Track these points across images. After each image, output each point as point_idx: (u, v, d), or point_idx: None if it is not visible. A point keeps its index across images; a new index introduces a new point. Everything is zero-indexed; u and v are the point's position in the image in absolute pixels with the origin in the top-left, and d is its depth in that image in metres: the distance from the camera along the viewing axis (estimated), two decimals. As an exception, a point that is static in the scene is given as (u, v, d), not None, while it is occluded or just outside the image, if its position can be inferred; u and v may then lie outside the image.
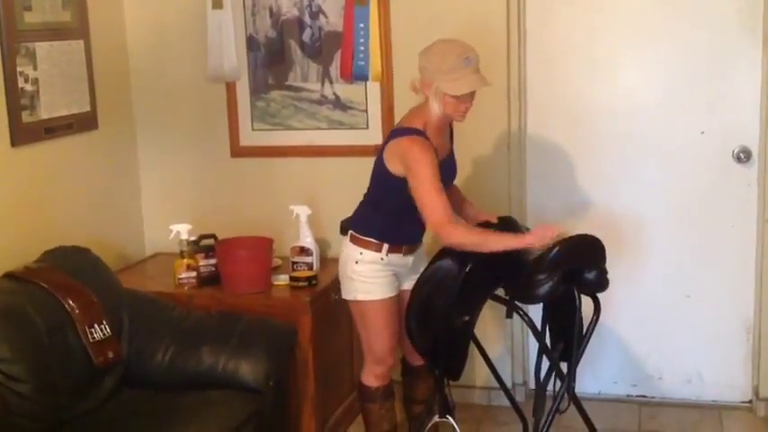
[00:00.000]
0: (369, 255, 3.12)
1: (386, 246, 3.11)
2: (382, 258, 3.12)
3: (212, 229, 3.79)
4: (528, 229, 3.21)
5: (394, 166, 2.99)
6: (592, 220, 3.64)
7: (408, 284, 3.17)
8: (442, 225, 2.89)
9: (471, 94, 2.97)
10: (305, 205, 3.72)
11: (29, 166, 3.49)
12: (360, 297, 3.17)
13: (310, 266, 3.64)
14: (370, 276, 3.13)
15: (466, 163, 3.68)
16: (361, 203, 3.22)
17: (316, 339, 3.50)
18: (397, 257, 3.15)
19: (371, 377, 3.28)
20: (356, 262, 3.14)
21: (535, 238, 2.89)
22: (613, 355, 3.99)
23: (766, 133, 3.64)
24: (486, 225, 3.12)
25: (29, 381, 2.85)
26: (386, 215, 3.10)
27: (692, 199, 3.80)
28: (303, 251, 3.65)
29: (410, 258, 3.19)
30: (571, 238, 2.94)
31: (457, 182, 3.31)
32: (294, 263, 3.65)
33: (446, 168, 3.07)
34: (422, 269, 3.14)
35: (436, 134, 3.02)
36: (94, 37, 3.82)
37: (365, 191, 3.22)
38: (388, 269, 3.14)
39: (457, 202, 3.22)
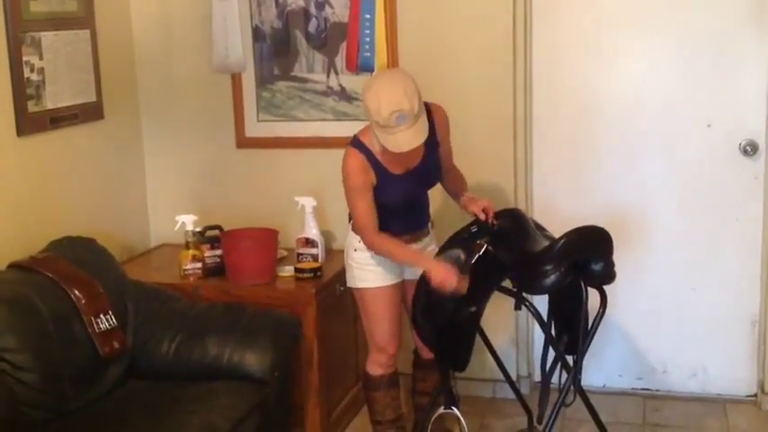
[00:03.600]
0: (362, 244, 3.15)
1: (384, 234, 3.10)
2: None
3: (218, 220, 3.79)
4: (536, 222, 3.21)
5: None
6: (597, 212, 3.63)
7: (413, 274, 3.15)
8: (364, 232, 3.06)
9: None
10: (310, 197, 3.72)
11: (34, 156, 3.49)
12: (358, 284, 3.20)
13: (315, 258, 3.63)
14: (367, 264, 3.15)
15: (471, 155, 3.66)
16: None
17: (320, 331, 3.50)
18: None
19: (375, 365, 3.29)
20: (355, 249, 3.16)
21: (435, 279, 2.95)
22: (618, 348, 3.98)
23: (773, 126, 3.64)
24: (482, 223, 3.09)
25: (35, 370, 2.86)
26: (381, 216, 3.08)
27: (699, 192, 3.79)
28: (308, 242, 3.65)
29: (413, 247, 3.18)
30: (578, 229, 2.93)
31: (462, 173, 3.30)
32: (299, 254, 3.65)
33: (418, 176, 3.07)
34: (432, 256, 3.13)
35: (393, 156, 2.94)
36: (100, 27, 3.81)
37: None
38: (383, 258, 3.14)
39: (455, 192, 3.22)
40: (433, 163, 3.12)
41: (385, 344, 3.24)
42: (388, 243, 3.06)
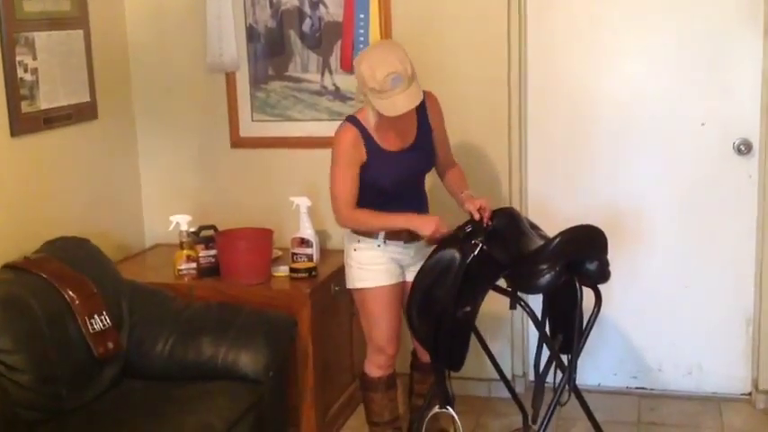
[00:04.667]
0: (366, 242, 3.15)
1: (382, 233, 3.12)
2: (379, 245, 3.13)
3: (212, 220, 3.78)
4: (530, 221, 3.21)
5: None
6: (592, 211, 3.63)
7: (412, 275, 3.14)
8: (337, 203, 3.07)
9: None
10: (305, 196, 3.72)
11: (28, 156, 3.48)
12: (357, 285, 3.19)
13: (310, 258, 3.63)
14: (366, 263, 3.15)
15: (466, 151, 3.67)
16: None
17: (315, 330, 3.50)
18: (396, 245, 3.15)
19: (373, 367, 3.28)
20: (354, 249, 3.17)
21: (427, 230, 2.99)
22: (613, 347, 3.98)
23: (767, 125, 3.64)
24: (477, 223, 3.09)
25: (29, 371, 2.85)
26: (374, 205, 3.08)
27: (693, 190, 3.79)
28: (303, 242, 3.65)
29: (412, 246, 3.17)
30: (573, 228, 2.93)
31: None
32: (294, 254, 3.65)
33: (409, 156, 3.08)
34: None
35: (388, 126, 3.01)
36: (94, 26, 3.81)
37: None
38: (386, 256, 3.15)
39: (455, 189, 3.21)
40: (426, 145, 3.14)
41: (384, 345, 3.23)
42: (362, 213, 3.06)
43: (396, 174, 3.09)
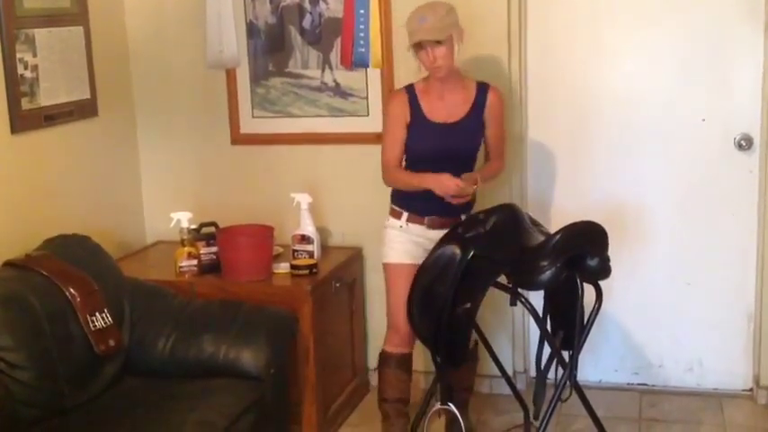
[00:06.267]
0: (392, 221, 3.32)
1: (405, 214, 3.27)
2: (401, 226, 3.28)
3: (213, 217, 3.78)
4: (531, 217, 3.21)
5: None
6: (592, 208, 3.63)
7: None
8: (383, 165, 3.29)
9: (432, 47, 3.11)
10: (306, 193, 3.71)
11: (29, 153, 3.48)
12: (384, 260, 3.34)
13: (311, 254, 3.63)
14: (391, 240, 3.31)
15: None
16: None
17: (317, 327, 3.50)
18: (419, 229, 3.27)
19: (389, 343, 3.36)
20: (384, 227, 3.35)
21: (448, 190, 3.11)
22: (614, 343, 3.98)
23: (767, 120, 3.64)
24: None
25: (30, 369, 2.85)
26: (410, 157, 3.26)
27: (694, 186, 3.79)
28: (304, 239, 3.65)
29: (434, 233, 3.22)
30: (574, 224, 2.93)
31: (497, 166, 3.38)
32: (295, 251, 3.65)
33: (446, 132, 3.21)
34: None
35: (436, 93, 3.23)
36: (94, 23, 3.80)
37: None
38: (406, 237, 3.28)
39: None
40: (471, 128, 3.25)
41: (396, 321, 3.30)
42: (396, 172, 3.27)
43: (431, 144, 3.23)
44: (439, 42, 3.10)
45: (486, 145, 3.34)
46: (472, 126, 3.25)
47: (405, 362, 3.33)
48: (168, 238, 3.98)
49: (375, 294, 3.90)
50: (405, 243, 3.27)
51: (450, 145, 3.22)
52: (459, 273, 2.98)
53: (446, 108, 3.22)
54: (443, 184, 3.11)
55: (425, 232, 3.25)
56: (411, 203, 3.25)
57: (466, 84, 3.27)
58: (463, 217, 3.23)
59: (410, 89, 3.27)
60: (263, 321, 3.31)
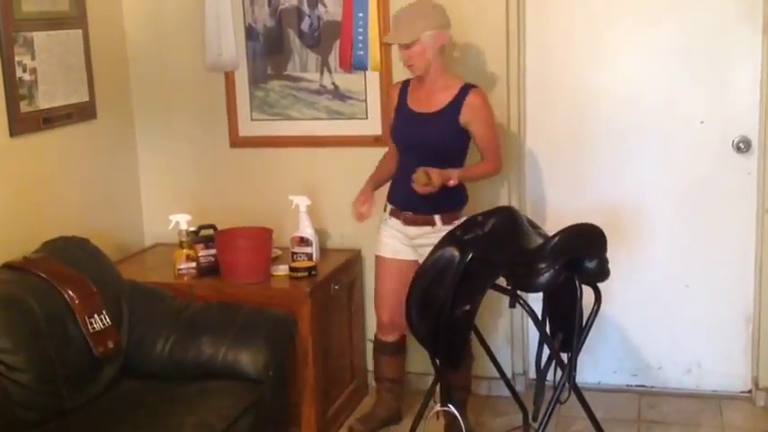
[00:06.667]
0: (382, 213, 3.49)
1: (389, 207, 3.45)
2: (385, 219, 3.47)
3: (212, 219, 3.78)
4: (530, 220, 3.21)
5: None
6: (591, 209, 3.63)
7: (406, 255, 3.42)
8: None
9: (402, 48, 3.28)
10: (304, 195, 3.72)
11: (27, 156, 3.48)
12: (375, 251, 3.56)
13: (310, 257, 3.63)
14: (379, 234, 3.50)
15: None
16: None
17: (315, 329, 3.50)
18: (396, 223, 3.42)
19: (379, 332, 3.59)
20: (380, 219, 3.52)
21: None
22: (613, 345, 3.99)
23: (766, 123, 3.64)
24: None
25: (29, 371, 2.85)
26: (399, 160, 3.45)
27: (692, 188, 3.79)
28: (303, 241, 3.65)
29: (410, 230, 3.37)
30: (572, 227, 2.93)
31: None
32: (294, 253, 3.65)
33: (417, 121, 3.34)
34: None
35: (424, 89, 3.37)
36: (93, 26, 3.80)
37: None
38: (388, 230, 3.45)
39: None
40: (443, 124, 3.31)
41: (378, 308, 3.54)
42: (381, 160, 3.55)
43: (403, 131, 3.40)
44: (407, 45, 3.24)
45: (477, 147, 3.39)
46: (445, 119, 3.31)
47: (388, 348, 3.55)
48: (167, 241, 3.97)
49: (374, 296, 3.90)
50: (386, 236, 3.46)
51: (418, 133, 3.35)
52: (458, 275, 2.98)
53: (428, 101, 3.35)
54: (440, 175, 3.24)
55: (403, 228, 3.41)
56: (393, 195, 3.45)
57: (450, 84, 3.34)
58: (437, 217, 3.34)
59: (406, 82, 3.45)
60: (262, 323, 3.31)
